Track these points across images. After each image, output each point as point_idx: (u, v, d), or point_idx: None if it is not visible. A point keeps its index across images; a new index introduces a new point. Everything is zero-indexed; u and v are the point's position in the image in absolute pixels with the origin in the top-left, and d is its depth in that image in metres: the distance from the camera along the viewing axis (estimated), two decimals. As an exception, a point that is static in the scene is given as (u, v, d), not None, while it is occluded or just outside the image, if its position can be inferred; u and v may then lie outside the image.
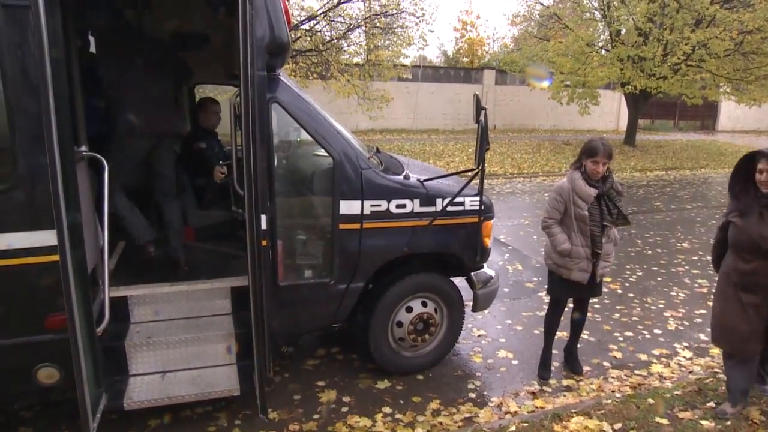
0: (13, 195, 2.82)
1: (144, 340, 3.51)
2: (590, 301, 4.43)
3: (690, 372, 4.39)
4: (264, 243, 3.13)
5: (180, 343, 3.57)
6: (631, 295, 6.08)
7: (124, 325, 3.63)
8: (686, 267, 7.07)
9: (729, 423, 3.45)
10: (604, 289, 6.21)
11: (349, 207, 3.66)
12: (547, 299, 5.79)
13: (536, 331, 5.02)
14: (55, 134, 2.55)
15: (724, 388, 3.81)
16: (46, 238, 2.80)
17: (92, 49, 4.43)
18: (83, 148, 3.40)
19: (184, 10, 4.46)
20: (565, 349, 4.51)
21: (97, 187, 3.37)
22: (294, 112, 3.53)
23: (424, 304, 4.13)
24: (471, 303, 4.35)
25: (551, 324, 4.35)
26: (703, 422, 3.47)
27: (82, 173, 3.21)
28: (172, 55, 4.46)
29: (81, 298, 2.85)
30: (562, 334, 4.55)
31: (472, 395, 4.05)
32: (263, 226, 3.08)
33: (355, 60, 17.01)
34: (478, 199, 3.95)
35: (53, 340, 2.95)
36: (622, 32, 17.58)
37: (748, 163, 3.36)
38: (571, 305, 4.37)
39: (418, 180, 3.96)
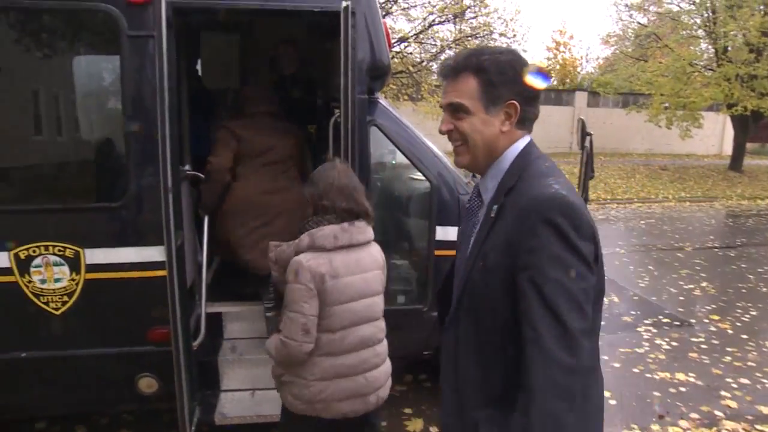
0: (124, 212, 2.92)
1: (236, 357, 3.56)
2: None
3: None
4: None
5: (269, 361, 3.58)
6: (745, 336, 5.53)
7: (217, 341, 3.69)
8: (807, 307, 6.39)
9: None
10: (712, 328, 5.75)
11: (445, 233, 3.55)
12: (646, 335, 5.45)
13: (635, 370, 4.70)
14: (169, 157, 2.67)
15: None
16: (152, 254, 2.89)
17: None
18: (187, 167, 3.53)
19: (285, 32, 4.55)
20: None
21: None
22: (392, 135, 3.50)
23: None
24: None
25: None
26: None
27: (184, 191, 3.33)
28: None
29: (182, 313, 2.93)
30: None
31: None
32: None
33: (445, 81, 17.00)
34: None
35: (153, 352, 3.04)
36: (729, 49, 16.52)
37: None
38: None
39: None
